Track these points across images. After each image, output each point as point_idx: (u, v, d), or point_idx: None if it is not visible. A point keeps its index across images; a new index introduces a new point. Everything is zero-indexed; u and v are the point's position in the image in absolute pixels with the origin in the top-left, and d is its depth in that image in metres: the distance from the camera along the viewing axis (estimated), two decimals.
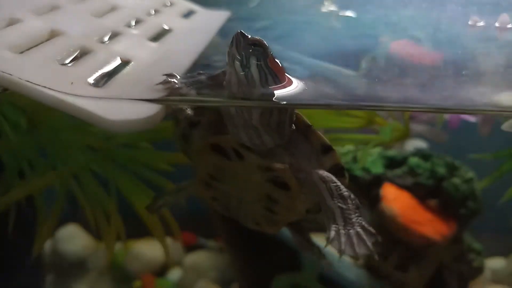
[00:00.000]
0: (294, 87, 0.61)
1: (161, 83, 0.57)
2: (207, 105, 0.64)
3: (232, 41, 0.57)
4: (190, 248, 1.69)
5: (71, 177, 0.82)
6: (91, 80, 0.56)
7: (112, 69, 0.61)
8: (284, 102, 0.58)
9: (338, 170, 0.67)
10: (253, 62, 0.57)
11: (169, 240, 1.67)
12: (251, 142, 0.63)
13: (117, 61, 0.63)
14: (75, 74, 0.56)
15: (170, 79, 0.58)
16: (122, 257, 1.64)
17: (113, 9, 0.85)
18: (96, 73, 0.58)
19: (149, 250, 1.62)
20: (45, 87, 0.50)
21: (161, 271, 1.61)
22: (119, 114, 0.50)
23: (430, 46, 0.96)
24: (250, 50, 0.57)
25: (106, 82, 0.57)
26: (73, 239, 1.65)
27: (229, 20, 1.05)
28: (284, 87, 0.60)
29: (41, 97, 0.49)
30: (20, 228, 0.87)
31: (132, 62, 0.65)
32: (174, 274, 1.59)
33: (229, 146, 0.64)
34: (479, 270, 1.29)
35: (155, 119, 0.51)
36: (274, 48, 0.62)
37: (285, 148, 0.65)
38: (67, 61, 0.59)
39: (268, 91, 0.58)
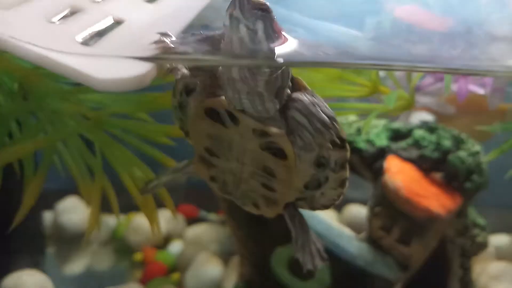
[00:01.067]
0: (296, 47, 0.59)
1: (155, 42, 0.54)
2: (203, 64, 0.61)
3: (234, 4, 0.55)
4: (191, 221, 1.69)
5: (58, 141, 0.80)
6: (80, 38, 0.53)
7: (103, 28, 0.58)
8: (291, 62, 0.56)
9: (340, 141, 0.65)
10: (260, 26, 0.56)
11: (169, 214, 1.69)
12: (254, 109, 0.61)
13: (109, 21, 0.60)
14: (63, 32, 0.53)
15: (164, 38, 0.55)
16: (123, 229, 1.64)
17: None
18: (86, 31, 0.55)
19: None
20: (29, 43, 0.47)
21: (162, 243, 1.61)
22: (108, 72, 0.47)
23: (439, 11, 0.93)
24: (256, 14, 0.55)
25: (96, 41, 0.54)
26: (74, 211, 1.65)
27: None
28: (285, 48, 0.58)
29: (24, 53, 0.47)
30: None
31: (125, 22, 0.62)
32: (175, 247, 1.58)
33: (223, 109, 0.62)
34: (482, 246, 1.27)
35: (146, 78, 0.48)
36: (278, 11, 0.59)
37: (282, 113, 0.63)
38: (56, 19, 0.56)
39: (273, 54, 0.57)
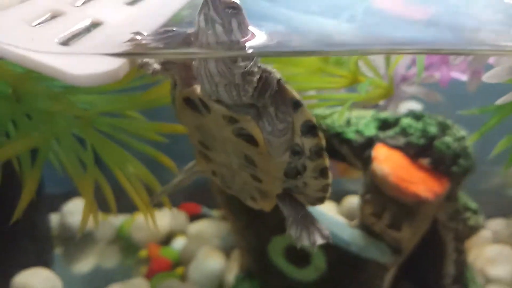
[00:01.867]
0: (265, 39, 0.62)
1: (128, 40, 0.58)
2: (173, 58, 0.65)
3: (207, 5, 0.58)
4: (194, 217, 1.73)
5: (52, 139, 0.85)
6: (58, 39, 0.57)
7: (82, 29, 0.62)
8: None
9: (309, 128, 0.68)
10: (235, 23, 0.59)
11: (174, 211, 1.73)
12: (231, 99, 0.64)
13: (88, 22, 0.65)
14: (43, 34, 0.57)
15: (137, 36, 0.59)
16: (128, 228, 1.68)
17: None
18: (64, 33, 0.59)
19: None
20: (9, 44, 0.51)
21: (166, 240, 1.66)
22: (82, 68, 0.51)
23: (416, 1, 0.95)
24: (230, 12, 0.59)
25: (74, 41, 0.58)
26: (79, 212, 1.67)
27: None
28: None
29: (5, 54, 0.51)
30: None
31: (104, 24, 0.66)
32: (179, 243, 1.63)
33: (196, 98, 0.66)
34: (475, 228, 1.29)
35: (118, 72, 0.52)
36: (261, 3, 0.63)
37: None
38: (37, 22, 0.61)
39: (245, 47, 0.60)
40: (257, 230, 1.28)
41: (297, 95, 0.66)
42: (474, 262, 1.45)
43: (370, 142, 1.22)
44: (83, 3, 0.72)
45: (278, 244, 1.23)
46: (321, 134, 0.69)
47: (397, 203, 1.13)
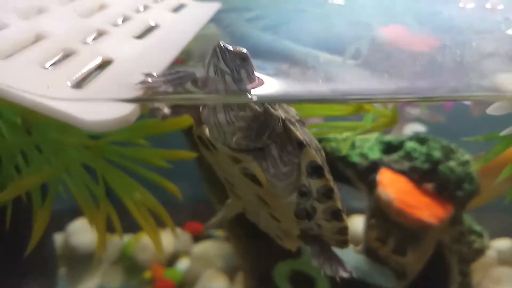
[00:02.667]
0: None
1: (139, 82, 0.59)
2: (183, 103, 0.66)
3: (217, 56, 0.59)
4: (197, 238, 1.73)
5: (63, 172, 0.85)
6: (71, 82, 0.58)
7: (93, 70, 0.63)
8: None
9: (315, 169, 0.67)
10: (244, 74, 0.60)
11: (177, 231, 1.73)
12: (238, 145, 0.64)
13: (99, 61, 0.65)
14: (56, 77, 0.58)
15: (147, 78, 0.59)
16: (132, 248, 1.68)
17: (101, 7, 0.87)
18: (77, 74, 0.60)
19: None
20: (25, 91, 0.52)
21: (170, 261, 1.65)
22: (95, 114, 0.52)
23: (421, 31, 0.96)
24: (239, 63, 0.60)
25: (86, 83, 0.59)
26: (84, 232, 1.70)
27: (220, 11, 1.06)
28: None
29: (22, 101, 0.52)
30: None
31: (114, 61, 0.67)
32: (183, 264, 1.63)
33: (205, 137, 0.66)
34: (480, 252, 1.30)
35: (130, 118, 0.53)
36: (266, 37, 0.64)
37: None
38: (49, 64, 0.61)
39: (253, 95, 0.61)
40: (261, 254, 1.28)
41: (300, 136, 0.65)
42: (480, 284, 1.44)
43: (374, 166, 1.22)
44: (93, 39, 0.74)
45: (283, 269, 1.23)
46: (328, 176, 0.68)
47: (401, 228, 1.14)
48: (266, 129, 0.63)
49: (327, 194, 0.68)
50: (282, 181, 0.66)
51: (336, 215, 0.70)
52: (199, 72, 0.61)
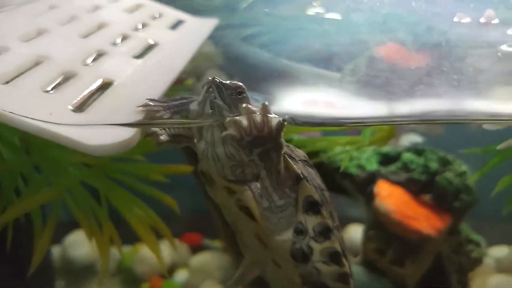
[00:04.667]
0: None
1: (141, 106, 0.59)
2: (183, 127, 0.66)
3: (213, 92, 0.58)
4: (196, 249, 1.73)
5: (64, 192, 0.85)
6: (72, 105, 0.59)
7: (94, 92, 0.64)
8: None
9: (311, 204, 0.64)
10: (242, 108, 0.58)
11: (175, 242, 1.73)
12: (235, 177, 0.63)
13: (99, 83, 0.66)
14: (57, 101, 0.58)
15: (149, 102, 0.60)
16: (130, 260, 1.68)
17: (100, 27, 0.88)
18: (78, 97, 0.60)
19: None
20: (27, 117, 0.53)
21: (168, 273, 1.65)
22: (97, 138, 0.52)
23: (416, 47, 0.97)
24: (236, 98, 0.59)
25: (87, 106, 0.60)
26: (81, 244, 1.69)
27: (218, 28, 1.07)
28: None
29: (25, 127, 0.52)
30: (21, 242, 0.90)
31: (115, 83, 0.67)
32: (181, 275, 1.63)
33: (207, 171, 0.65)
34: (478, 261, 1.31)
35: (131, 142, 0.53)
36: (264, 55, 0.63)
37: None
38: (51, 87, 0.62)
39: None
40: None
41: (298, 170, 0.64)
42: None
43: (372, 177, 1.23)
44: (93, 60, 0.74)
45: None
46: (325, 213, 0.65)
47: (400, 240, 1.14)
48: (261, 143, 0.59)
49: (324, 233, 0.65)
50: (276, 214, 0.64)
51: (335, 258, 0.66)
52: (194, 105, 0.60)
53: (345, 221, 1.68)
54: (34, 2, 0.90)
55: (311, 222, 0.64)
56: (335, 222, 0.69)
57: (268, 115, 0.57)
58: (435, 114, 0.66)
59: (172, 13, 1.09)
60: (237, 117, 0.57)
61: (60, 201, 0.86)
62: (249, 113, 0.57)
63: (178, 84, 0.75)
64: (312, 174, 0.68)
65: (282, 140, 0.60)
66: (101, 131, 0.54)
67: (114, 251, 1.65)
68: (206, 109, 0.58)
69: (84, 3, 0.98)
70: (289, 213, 0.64)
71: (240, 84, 0.60)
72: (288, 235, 0.65)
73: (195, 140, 0.64)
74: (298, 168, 0.64)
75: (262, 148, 0.59)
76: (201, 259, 1.66)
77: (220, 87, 0.58)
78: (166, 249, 1.67)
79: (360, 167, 1.25)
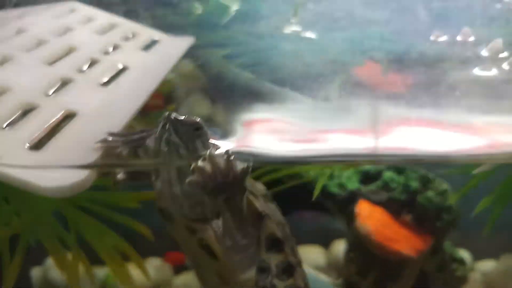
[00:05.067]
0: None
1: (99, 141, 0.57)
2: (138, 169, 0.64)
3: (168, 129, 0.56)
4: (179, 268, 1.70)
5: (33, 223, 0.83)
6: (30, 142, 0.57)
7: (55, 126, 0.61)
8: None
9: (273, 242, 0.64)
10: (199, 145, 0.58)
11: (158, 261, 1.70)
12: (195, 215, 0.62)
13: (61, 116, 0.64)
14: (13, 139, 0.56)
15: (108, 137, 0.58)
16: (112, 280, 1.65)
17: (69, 51, 0.86)
18: (36, 133, 0.58)
19: (139, 272, 1.63)
20: None
21: None
22: (52, 180, 0.51)
23: (392, 67, 0.96)
24: (193, 134, 0.57)
25: (45, 143, 0.57)
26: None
27: (194, 47, 1.05)
28: None
29: None
30: None
31: (77, 115, 0.65)
32: None
33: (162, 208, 0.64)
34: (463, 280, 1.29)
35: (86, 183, 0.52)
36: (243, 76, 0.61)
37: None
38: (6, 124, 0.60)
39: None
40: None
41: (260, 208, 0.63)
42: None
43: (353, 196, 1.21)
44: (56, 90, 0.72)
45: None
46: (288, 250, 0.65)
47: (381, 261, 1.13)
48: (226, 188, 0.57)
49: (287, 270, 0.64)
50: (239, 253, 0.63)
51: None
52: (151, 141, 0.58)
53: (330, 237, 1.66)
54: (0, 26, 0.88)
55: (274, 260, 0.63)
56: (297, 257, 0.68)
57: (232, 160, 0.55)
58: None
59: (147, 33, 1.07)
60: (201, 163, 0.55)
61: (28, 231, 0.83)
62: (213, 159, 0.55)
63: (157, 110, 0.73)
64: (273, 210, 0.67)
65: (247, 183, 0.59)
66: (55, 171, 0.52)
67: (99, 271, 1.64)
68: (162, 146, 0.57)
69: (54, 24, 0.96)
70: (252, 251, 0.63)
71: (197, 120, 0.58)
72: (251, 273, 0.63)
73: (153, 178, 0.62)
74: (260, 205, 0.63)
75: (227, 193, 0.58)
76: (185, 279, 1.63)
77: (176, 124, 0.56)
78: (150, 269, 1.64)
79: (341, 186, 1.23)
